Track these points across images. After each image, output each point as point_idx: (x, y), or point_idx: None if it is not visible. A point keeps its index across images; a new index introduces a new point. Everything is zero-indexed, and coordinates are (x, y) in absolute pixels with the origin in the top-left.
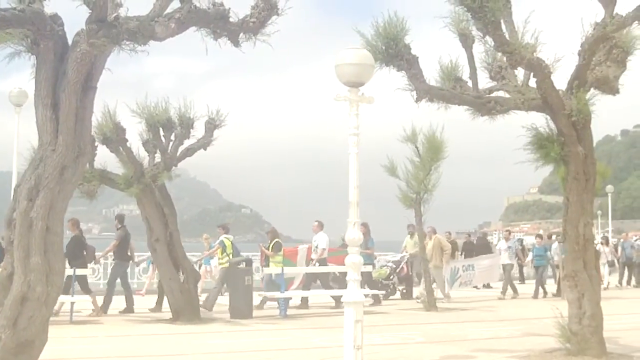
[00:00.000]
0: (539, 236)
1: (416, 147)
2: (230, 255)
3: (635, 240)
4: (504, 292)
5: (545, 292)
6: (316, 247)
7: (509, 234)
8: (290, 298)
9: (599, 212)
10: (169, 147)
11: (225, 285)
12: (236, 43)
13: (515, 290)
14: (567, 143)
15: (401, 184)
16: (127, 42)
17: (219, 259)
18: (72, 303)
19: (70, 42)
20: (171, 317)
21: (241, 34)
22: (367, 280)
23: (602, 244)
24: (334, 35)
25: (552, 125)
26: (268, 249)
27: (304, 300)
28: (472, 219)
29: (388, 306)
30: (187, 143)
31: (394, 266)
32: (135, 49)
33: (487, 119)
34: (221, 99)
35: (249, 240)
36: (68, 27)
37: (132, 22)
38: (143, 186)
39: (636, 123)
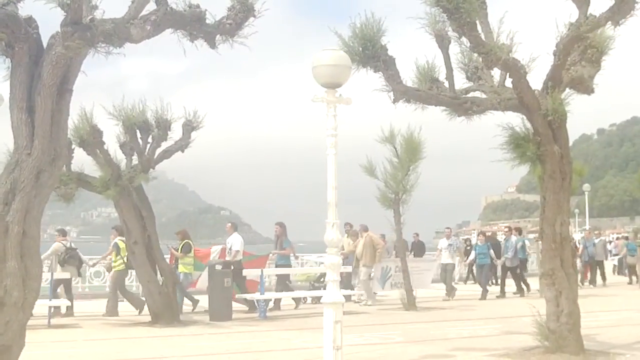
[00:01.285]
0: (482, 234)
1: (394, 148)
2: (125, 259)
3: (598, 239)
4: (448, 293)
5: (485, 292)
6: (229, 248)
7: (450, 231)
8: (270, 299)
9: (577, 210)
10: (146, 149)
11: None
12: (213, 45)
13: (452, 290)
14: (543, 142)
15: (380, 184)
16: (103, 45)
17: (113, 261)
18: (50, 307)
19: (45, 44)
20: (150, 320)
21: (218, 36)
22: (282, 282)
23: None
24: (312, 36)
25: (528, 125)
26: (178, 251)
27: (276, 302)
28: (451, 218)
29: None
30: (164, 145)
31: None
32: (111, 51)
33: (463, 120)
34: (199, 100)
35: None
36: (42, 29)
37: (107, 25)
38: (120, 189)
39: (612, 122)
